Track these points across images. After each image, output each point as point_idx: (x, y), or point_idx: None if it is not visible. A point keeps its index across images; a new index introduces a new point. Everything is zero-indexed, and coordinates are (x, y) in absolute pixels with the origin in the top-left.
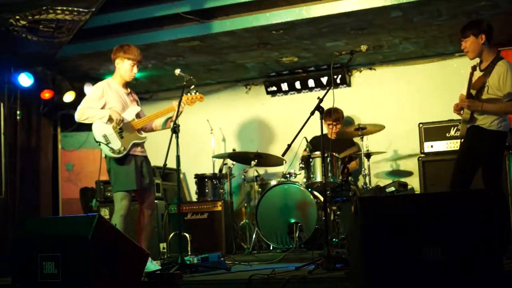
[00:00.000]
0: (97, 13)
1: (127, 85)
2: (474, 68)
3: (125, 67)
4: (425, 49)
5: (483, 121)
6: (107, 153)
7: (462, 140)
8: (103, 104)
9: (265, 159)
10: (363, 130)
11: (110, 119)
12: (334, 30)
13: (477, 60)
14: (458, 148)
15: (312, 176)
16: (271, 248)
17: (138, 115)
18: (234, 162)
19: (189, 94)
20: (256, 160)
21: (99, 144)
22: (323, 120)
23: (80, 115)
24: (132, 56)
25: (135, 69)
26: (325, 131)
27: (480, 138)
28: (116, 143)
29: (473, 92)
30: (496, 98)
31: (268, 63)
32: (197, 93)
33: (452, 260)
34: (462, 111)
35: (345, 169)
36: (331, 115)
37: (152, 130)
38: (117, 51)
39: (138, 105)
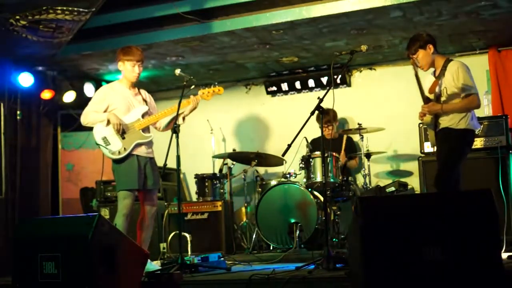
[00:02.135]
0: (97, 13)
1: (135, 85)
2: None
3: (127, 68)
4: None
5: (451, 121)
6: (107, 155)
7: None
8: (106, 106)
9: (265, 159)
10: (362, 130)
11: (108, 123)
12: (334, 30)
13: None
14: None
15: (312, 176)
16: (271, 248)
17: (145, 115)
18: (234, 162)
19: (206, 88)
20: (256, 160)
21: (99, 147)
22: (317, 122)
23: (83, 119)
24: (131, 56)
25: (136, 68)
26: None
27: (450, 138)
28: (117, 145)
29: (431, 96)
30: (455, 97)
31: (268, 63)
32: (216, 86)
33: (452, 260)
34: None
35: (345, 168)
36: (323, 117)
37: (159, 129)
38: (118, 54)
39: (147, 104)
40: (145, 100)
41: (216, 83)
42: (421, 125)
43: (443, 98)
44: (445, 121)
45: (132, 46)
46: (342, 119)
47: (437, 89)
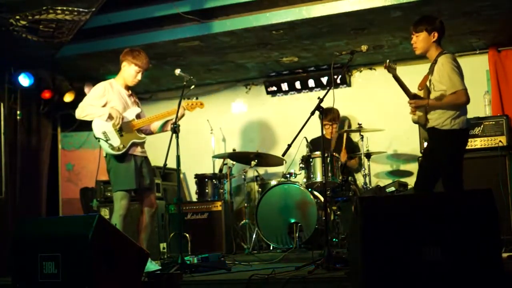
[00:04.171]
0: (97, 13)
1: (129, 87)
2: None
3: (130, 72)
4: None
5: (437, 121)
6: (106, 150)
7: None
8: (104, 102)
9: (265, 159)
10: (362, 130)
11: (110, 117)
12: (334, 30)
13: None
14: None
15: (312, 176)
16: (271, 248)
17: (138, 116)
18: (234, 162)
19: (189, 99)
20: (256, 160)
21: (99, 141)
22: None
23: (80, 112)
24: (140, 63)
25: (139, 76)
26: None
27: (436, 139)
28: (116, 140)
29: (421, 92)
30: (443, 92)
31: (268, 63)
32: (198, 99)
33: (452, 260)
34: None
35: (345, 167)
36: (327, 115)
37: (151, 133)
38: (127, 54)
39: (138, 106)
40: (136, 102)
41: (197, 97)
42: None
43: (432, 94)
44: (432, 119)
45: (142, 51)
46: (342, 118)
47: (427, 84)
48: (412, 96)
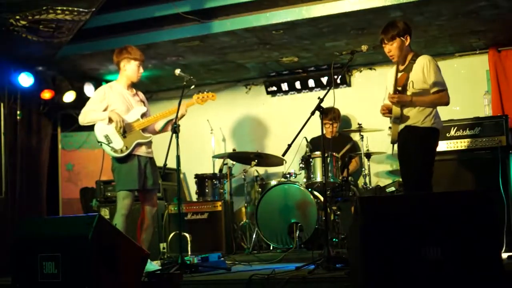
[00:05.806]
0: (97, 13)
1: (133, 86)
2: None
3: (132, 68)
4: (425, 49)
5: (416, 119)
6: (109, 153)
7: (396, 146)
8: (105, 106)
9: (265, 159)
10: (362, 130)
11: (110, 120)
12: (334, 30)
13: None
14: (438, 150)
15: (312, 176)
16: (271, 248)
17: (144, 115)
18: (234, 162)
19: (200, 92)
20: (256, 160)
21: (101, 145)
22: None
23: (82, 118)
24: (138, 56)
25: (141, 69)
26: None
27: (413, 136)
28: (118, 143)
29: (399, 89)
30: (422, 91)
31: (268, 63)
32: (209, 92)
33: (452, 260)
34: (391, 113)
35: (346, 169)
36: (328, 114)
37: (155, 132)
38: (122, 54)
39: (144, 105)
40: (142, 101)
41: (209, 90)
42: None
43: (408, 92)
44: (411, 117)
45: (132, 46)
46: (342, 117)
47: (404, 83)
48: (395, 91)
